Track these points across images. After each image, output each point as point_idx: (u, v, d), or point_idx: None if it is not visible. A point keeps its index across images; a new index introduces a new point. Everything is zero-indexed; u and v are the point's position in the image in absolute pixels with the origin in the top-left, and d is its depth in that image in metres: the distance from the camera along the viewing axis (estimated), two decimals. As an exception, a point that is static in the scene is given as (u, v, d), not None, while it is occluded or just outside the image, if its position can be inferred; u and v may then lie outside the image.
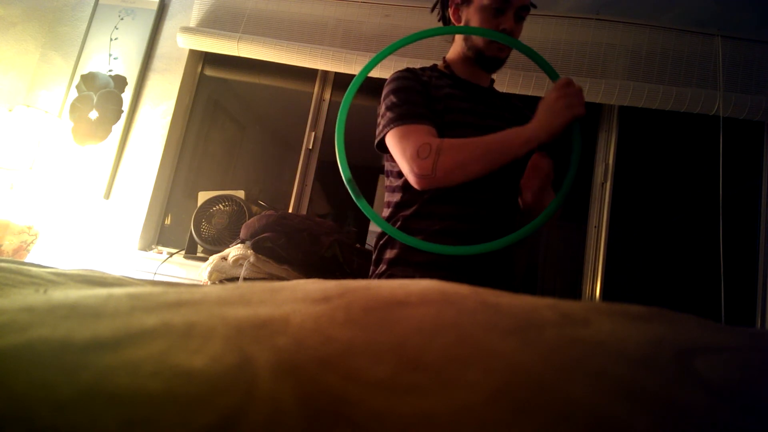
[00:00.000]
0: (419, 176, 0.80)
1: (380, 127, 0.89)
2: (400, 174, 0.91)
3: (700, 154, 1.96)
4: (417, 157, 0.80)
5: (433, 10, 1.01)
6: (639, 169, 2.01)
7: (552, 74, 0.82)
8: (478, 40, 0.91)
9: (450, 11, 0.95)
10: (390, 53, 0.83)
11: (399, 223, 0.90)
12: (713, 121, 1.77)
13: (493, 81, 1.02)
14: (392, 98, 0.88)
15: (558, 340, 0.19)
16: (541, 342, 0.19)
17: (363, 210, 0.81)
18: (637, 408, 0.15)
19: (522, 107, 1.03)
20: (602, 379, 0.16)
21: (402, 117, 0.85)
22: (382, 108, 0.90)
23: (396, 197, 0.93)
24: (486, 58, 0.91)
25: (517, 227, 0.82)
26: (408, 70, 0.94)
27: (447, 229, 0.86)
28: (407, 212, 0.89)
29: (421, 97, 0.88)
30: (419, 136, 0.82)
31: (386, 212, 0.94)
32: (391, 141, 0.85)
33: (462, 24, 0.93)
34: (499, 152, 0.79)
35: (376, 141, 0.91)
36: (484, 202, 0.88)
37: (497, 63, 0.93)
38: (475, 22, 0.89)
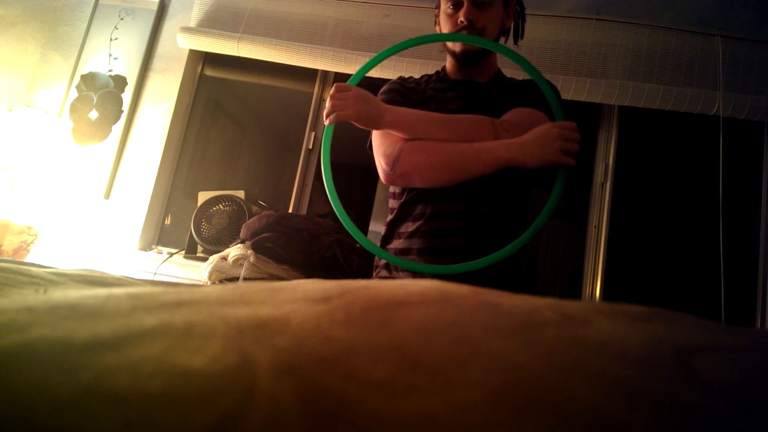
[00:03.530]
0: (383, 171, 0.86)
1: None
2: (394, 195, 0.98)
3: (700, 154, 1.95)
4: (385, 153, 0.85)
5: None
6: (639, 169, 2.01)
7: (559, 115, 0.79)
8: (448, 43, 0.94)
9: (436, 22, 1.00)
10: (361, 77, 0.87)
11: (385, 229, 0.96)
12: (713, 121, 1.77)
13: (498, 71, 1.00)
14: None
15: (558, 340, 0.19)
16: (541, 342, 0.19)
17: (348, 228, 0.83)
18: (637, 408, 0.15)
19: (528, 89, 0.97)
20: (602, 379, 0.16)
21: None
22: None
23: (389, 203, 1.00)
24: (459, 55, 0.92)
25: (496, 225, 0.85)
26: (398, 78, 1.02)
27: (419, 228, 0.88)
28: (391, 217, 0.95)
29: (402, 98, 0.94)
30: (394, 135, 0.86)
31: (389, 218, 0.99)
32: (374, 143, 0.91)
33: (439, 30, 0.98)
34: (462, 164, 0.79)
35: (368, 142, 0.98)
36: (452, 200, 0.88)
37: (472, 55, 0.92)
38: (442, 24, 0.94)
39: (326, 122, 0.82)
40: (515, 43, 1.01)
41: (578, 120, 0.79)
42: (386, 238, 0.95)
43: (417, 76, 1.05)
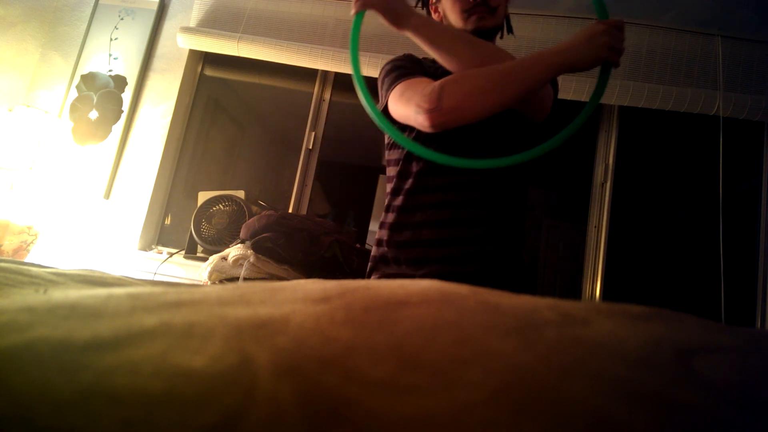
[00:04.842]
0: (425, 112, 0.74)
1: (382, 97, 0.87)
2: (393, 164, 0.92)
3: (700, 154, 1.96)
4: (422, 93, 0.75)
5: (417, 4, 1.00)
6: (639, 169, 2.01)
7: (601, 12, 0.76)
8: (456, 21, 0.89)
9: (432, 10, 0.96)
10: None
11: (391, 214, 0.89)
12: (713, 121, 1.77)
13: None
14: (388, 68, 0.87)
15: (558, 340, 0.19)
16: (541, 342, 0.19)
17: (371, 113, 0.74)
18: (637, 408, 0.15)
19: None
20: (602, 379, 0.16)
21: (402, 75, 0.83)
22: (381, 81, 0.89)
23: (388, 188, 0.92)
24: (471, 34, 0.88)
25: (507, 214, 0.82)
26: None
27: (428, 220, 0.85)
28: (399, 203, 0.88)
29: (418, 66, 0.88)
30: (424, 83, 0.78)
31: (395, 202, 0.93)
32: (395, 98, 0.82)
33: (441, 17, 0.93)
34: (518, 79, 0.72)
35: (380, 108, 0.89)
36: (462, 190, 0.85)
37: (485, 35, 0.89)
38: (448, 7, 0.89)
39: (352, 11, 0.77)
40: (501, 38, 0.99)
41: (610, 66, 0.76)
42: (395, 227, 0.88)
43: None
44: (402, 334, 0.19)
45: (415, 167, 0.87)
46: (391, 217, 0.89)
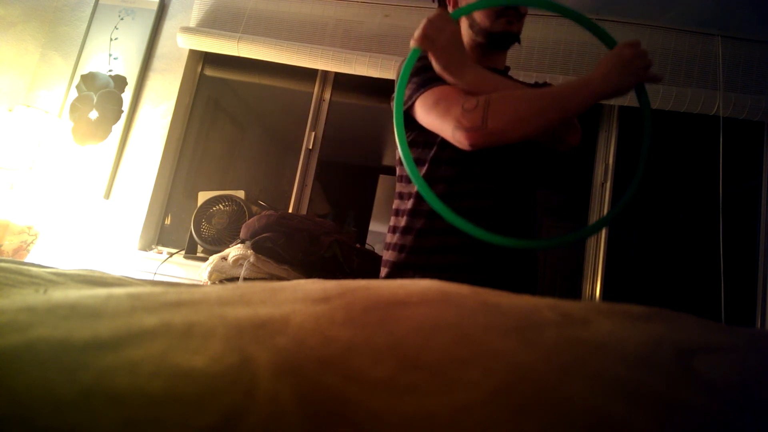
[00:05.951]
0: (467, 129, 0.71)
1: (405, 97, 0.82)
2: (410, 179, 0.87)
3: (700, 154, 1.95)
4: (464, 108, 0.72)
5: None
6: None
7: (610, 42, 0.77)
8: (483, 20, 0.87)
9: (447, 3, 0.93)
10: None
11: (412, 235, 0.85)
12: (713, 121, 1.77)
13: (508, 68, 0.98)
14: (419, 64, 0.82)
15: (558, 340, 0.19)
16: (541, 342, 0.19)
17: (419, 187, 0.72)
18: (637, 408, 0.15)
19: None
20: (602, 379, 0.16)
21: (434, 80, 0.79)
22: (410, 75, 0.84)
23: (408, 205, 0.88)
24: (497, 36, 0.87)
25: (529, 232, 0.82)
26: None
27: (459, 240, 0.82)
28: (425, 206, 0.83)
29: None
30: (460, 93, 0.76)
31: (393, 220, 0.91)
32: (426, 104, 0.79)
33: (455, 7, 0.91)
34: (560, 105, 0.73)
35: (404, 109, 0.83)
36: (495, 195, 0.84)
37: (509, 38, 0.88)
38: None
39: (412, 44, 0.74)
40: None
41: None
42: (422, 233, 0.84)
43: None
44: (402, 334, 0.19)
45: (443, 172, 0.84)
46: (419, 222, 0.85)
